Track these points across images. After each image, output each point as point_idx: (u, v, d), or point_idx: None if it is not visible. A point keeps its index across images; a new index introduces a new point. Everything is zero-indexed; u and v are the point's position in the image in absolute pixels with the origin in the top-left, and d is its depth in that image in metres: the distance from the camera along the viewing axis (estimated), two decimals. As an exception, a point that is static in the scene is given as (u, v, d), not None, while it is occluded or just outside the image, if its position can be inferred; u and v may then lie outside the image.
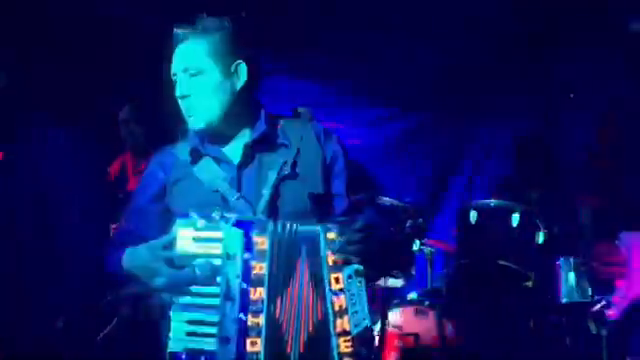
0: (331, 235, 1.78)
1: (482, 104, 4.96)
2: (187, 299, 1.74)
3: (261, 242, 1.77)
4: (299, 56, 4.59)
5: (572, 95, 4.67)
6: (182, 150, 2.01)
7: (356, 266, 1.76)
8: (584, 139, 4.46)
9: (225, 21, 1.98)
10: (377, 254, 1.82)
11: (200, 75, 1.92)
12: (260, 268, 1.76)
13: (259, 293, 1.74)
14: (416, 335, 3.31)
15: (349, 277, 1.75)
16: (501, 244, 3.41)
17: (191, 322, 1.73)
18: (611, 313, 2.20)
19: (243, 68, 1.97)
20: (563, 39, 4.47)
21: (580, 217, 2.52)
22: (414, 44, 4.45)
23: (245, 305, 1.72)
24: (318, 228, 1.79)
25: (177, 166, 2.01)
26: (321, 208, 1.92)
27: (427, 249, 3.70)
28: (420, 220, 3.56)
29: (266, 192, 1.90)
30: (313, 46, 4.45)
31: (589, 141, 4.40)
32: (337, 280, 1.75)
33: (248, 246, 1.77)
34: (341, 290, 1.74)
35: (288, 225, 1.79)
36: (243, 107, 2.00)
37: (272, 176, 1.92)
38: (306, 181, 1.95)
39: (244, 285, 1.74)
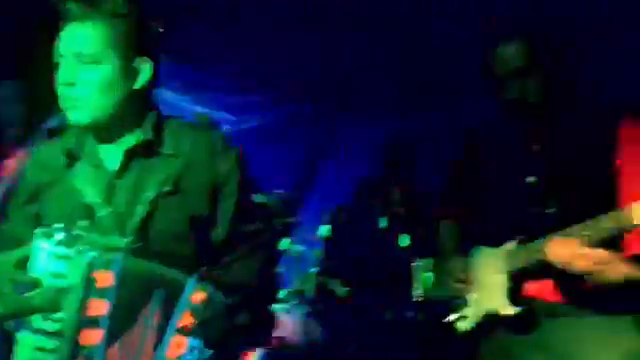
0: (198, 296, 1.56)
1: (354, 102, 5.01)
2: (39, 321, 1.53)
3: (104, 278, 1.52)
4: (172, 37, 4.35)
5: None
6: (55, 150, 1.78)
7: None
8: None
9: (134, 5, 1.71)
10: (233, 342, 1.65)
11: (95, 65, 1.66)
12: (98, 309, 1.51)
13: (93, 337, 1.50)
14: (281, 337, 3.31)
15: (192, 349, 1.56)
16: (367, 245, 3.47)
17: (38, 349, 1.52)
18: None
19: (147, 67, 1.73)
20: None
21: (438, 229, 2.58)
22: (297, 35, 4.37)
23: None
24: (187, 280, 1.56)
25: (50, 168, 1.77)
26: (200, 234, 1.73)
27: (294, 248, 3.70)
28: (289, 219, 3.56)
29: (140, 209, 1.68)
30: (186, 30, 4.24)
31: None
32: (179, 345, 1.55)
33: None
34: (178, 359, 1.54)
35: (144, 264, 1.57)
36: (135, 107, 1.75)
37: (151, 191, 1.70)
38: (189, 200, 1.72)
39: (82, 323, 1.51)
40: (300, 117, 5.11)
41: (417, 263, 3.59)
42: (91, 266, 1.53)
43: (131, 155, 1.74)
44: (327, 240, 3.55)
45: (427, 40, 4.43)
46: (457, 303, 2.33)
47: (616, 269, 1.87)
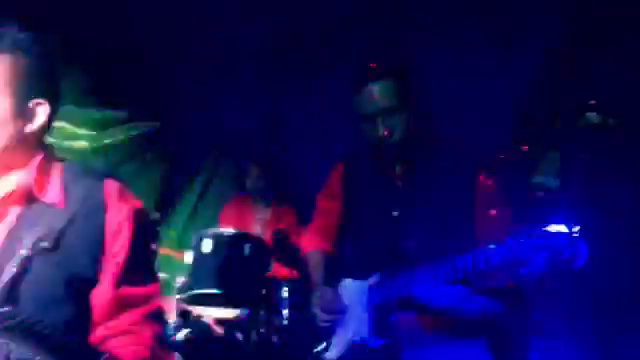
0: None
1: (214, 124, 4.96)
2: None
3: None
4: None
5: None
6: None
7: None
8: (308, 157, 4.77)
9: (35, 40, 1.55)
10: None
11: None
12: None
13: None
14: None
15: None
16: (234, 272, 3.44)
17: None
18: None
19: (43, 109, 1.55)
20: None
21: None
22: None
23: None
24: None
25: None
26: (79, 299, 1.53)
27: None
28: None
29: (10, 268, 1.45)
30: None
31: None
32: None
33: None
34: None
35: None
36: (23, 149, 1.56)
37: (25, 246, 1.48)
38: (70, 259, 1.51)
39: None
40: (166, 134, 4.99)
41: (283, 287, 3.67)
42: None
43: (5, 203, 1.53)
44: (195, 267, 3.46)
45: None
46: (323, 332, 2.35)
47: (472, 303, 1.99)
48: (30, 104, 1.54)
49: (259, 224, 4.44)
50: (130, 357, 1.55)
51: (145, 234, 1.65)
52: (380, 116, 2.16)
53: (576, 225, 1.65)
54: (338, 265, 2.48)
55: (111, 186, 1.62)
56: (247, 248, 3.46)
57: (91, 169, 1.69)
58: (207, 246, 3.46)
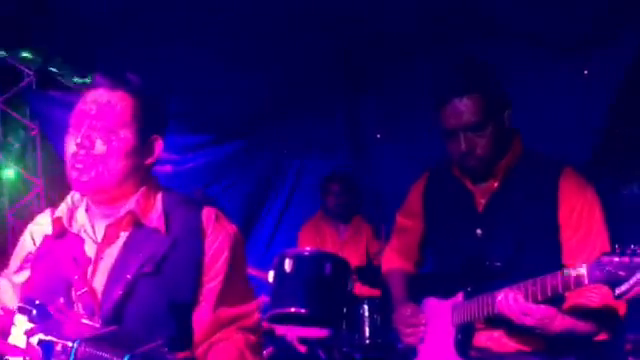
0: None
1: (296, 135, 5.06)
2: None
3: None
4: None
5: (379, 135, 4.93)
6: (47, 218, 1.73)
7: None
8: (390, 171, 4.78)
9: (153, 84, 1.73)
10: None
11: (115, 133, 1.64)
12: None
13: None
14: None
15: None
16: (315, 291, 3.46)
17: None
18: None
19: (158, 144, 1.71)
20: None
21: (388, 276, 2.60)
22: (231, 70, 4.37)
23: None
24: None
25: (41, 237, 1.71)
26: (180, 319, 1.62)
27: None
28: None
29: (117, 291, 1.58)
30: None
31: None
32: None
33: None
34: None
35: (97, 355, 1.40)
36: (137, 179, 1.69)
37: (130, 270, 1.60)
38: (171, 282, 1.61)
39: None
40: (248, 153, 5.12)
41: (364, 306, 3.67)
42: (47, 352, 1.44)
43: (115, 228, 1.66)
44: (275, 287, 3.51)
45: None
46: (405, 351, 2.35)
47: (558, 322, 1.94)
48: (149, 139, 1.69)
49: (338, 242, 4.47)
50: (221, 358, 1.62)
51: (241, 257, 1.73)
52: (463, 131, 2.11)
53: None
54: (419, 284, 2.46)
55: (209, 213, 1.71)
56: (328, 267, 3.48)
57: (191, 197, 1.79)
58: (289, 265, 3.50)
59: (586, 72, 3.76)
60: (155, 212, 1.68)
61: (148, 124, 1.69)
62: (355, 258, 4.14)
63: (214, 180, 5.10)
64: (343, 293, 3.59)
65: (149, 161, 1.70)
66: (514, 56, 3.62)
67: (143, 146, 1.68)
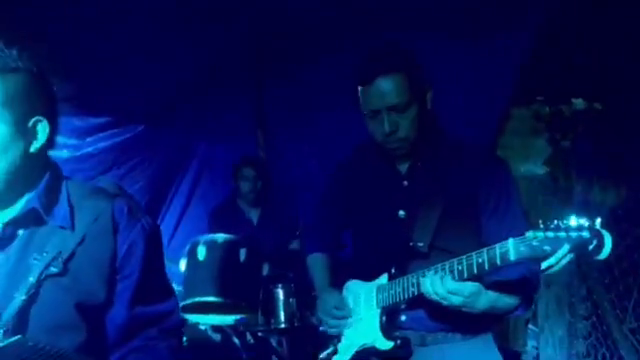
0: None
1: (203, 119, 4.94)
2: None
3: None
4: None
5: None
6: None
7: None
8: (300, 157, 4.78)
9: (29, 61, 1.51)
10: None
11: None
12: None
13: None
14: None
15: None
16: (230, 278, 3.41)
17: None
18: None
19: (44, 127, 1.52)
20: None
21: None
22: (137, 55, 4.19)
23: None
24: None
25: None
26: (92, 323, 1.51)
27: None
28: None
29: (19, 296, 1.43)
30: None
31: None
32: None
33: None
34: None
35: None
36: (28, 171, 1.52)
37: (34, 272, 1.45)
38: (81, 283, 1.50)
39: None
40: (151, 137, 4.94)
41: (279, 290, 3.66)
42: None
43: (14, 227, 1.50)
44: (188, 276, 3.42)
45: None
46: (329, 336, 2.33)
47: (483, 298, 1.98)
48: (30, 123, 1.51)
49: (252, 227, 4.43)
50: None
51: (158, 251, 1.63)
52: (387, 112, 2.10)
53: (597, 217, 1.64)
54: (342, 267, 2.46)
55: (121, 204, 1.59)
56: (242, 253, 3.45)
57: (100, 188, 1.65)
58: (201, 253, 3.43)
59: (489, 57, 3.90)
60: (60, 206, 1.54)
61: (26, 106, 1.50)
62: (269, 243, 4.12)
63: (114, 166, 4.89)
64: (258, 279, 3.58)
65: (35, 147, 1.52)
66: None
67: (24, 132, 1.49)
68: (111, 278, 1.53)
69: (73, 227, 1.52)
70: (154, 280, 1.60)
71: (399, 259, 2.16)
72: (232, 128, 4.97)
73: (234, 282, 3.44)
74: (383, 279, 2.19)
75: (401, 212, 2.19)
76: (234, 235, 3.61)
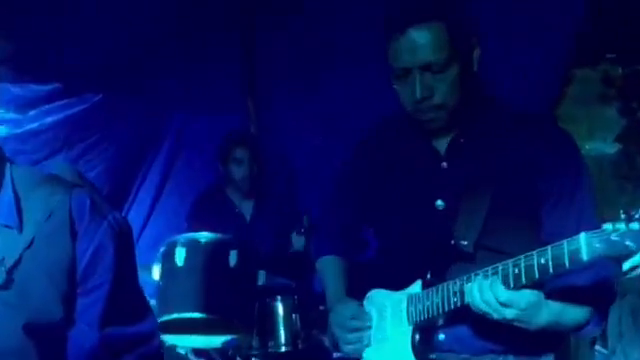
0: None
1: (177, 85, 4.98)
2: None
3: None
4: None
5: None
6: None
7: None
8: (301, 133, 4.81)
9: None
10: None
11: None
12: None
13: None
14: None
15: None
16: (216, 289, 3.44)
17: None
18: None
19: None
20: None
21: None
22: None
23: None
24: None
25: None
26: (45, 349, 1.52)
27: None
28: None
29: None
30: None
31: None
32: None
33: None
34: None
35: None
36: None
37: None
38: (29, 299, 1.51)
39: None
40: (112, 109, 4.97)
41: (278, 304, 3.71)
42: None
43: None
44: (163, 288, 3.46)
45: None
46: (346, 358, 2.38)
47: (545, 312, 2.00)
48: None
49: (244, 224, 4.49)
50: None
51: (130, 256, 1.65)
52: (420, 72, 2.10)
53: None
54: (362, 274, 2.48)
55: (81, 197, 1.60)
56: (232, 257, 3.48)
57: (53, 175, 1.66)
58: (180, 257, 3.46)
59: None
60: (2, 200, 1.55)
61: None
62: (266, 244, 4.17)
63: (64, 146, 4.92)
64: (252, 290, 3.60)
65: None
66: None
67: None
68: (70, 292, 1.54)
69: (20, 226, 1.53)
70: (127, 293, 1.63)
71: (436, 261, 2.19)
72: (216, 96, 4.99)
73: (222, 294, 3.46)
74: (416, 287, 2.21)
75: (439, 202, 2.21)
76: (221, 234, 3.63)
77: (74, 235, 1.55)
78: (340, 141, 2.58)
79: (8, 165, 1.59)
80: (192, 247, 3.49)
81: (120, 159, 5.13)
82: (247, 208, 4.59)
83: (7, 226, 1.53)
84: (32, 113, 4.76)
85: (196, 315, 3.40)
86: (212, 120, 5.09)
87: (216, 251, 3.51)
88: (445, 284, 2.11)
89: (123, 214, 5.08)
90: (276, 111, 5.07)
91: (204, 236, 3.59)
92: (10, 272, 1.49)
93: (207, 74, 4.87)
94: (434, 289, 2.14)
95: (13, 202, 1.55)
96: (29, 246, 1.52)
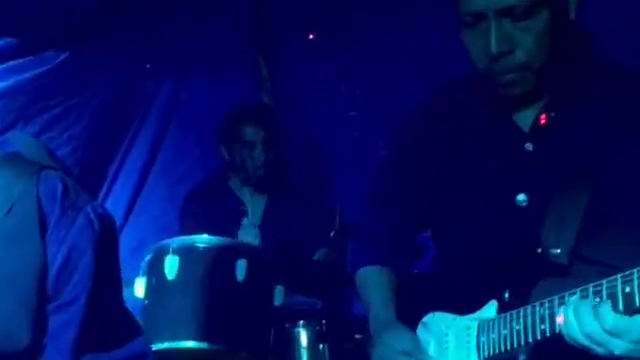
0: None
1: (168, 41, 5.01)
2: None
3: None
4: None
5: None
6: None
7: None
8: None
9: None
10: None
11: None
12: None
13: None
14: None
15: None
16: (219, 309, 3.45)
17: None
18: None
19: None
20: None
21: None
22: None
23: None
24: None
25: None
26: None
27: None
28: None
29: None
30: None
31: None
32: None
33: None
34: None
35: None
36: None
37: None
38: None
39: None
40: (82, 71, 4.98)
41: (300, 330, 3.73)
42: None
43: None
44: (148, 309, 3.49)
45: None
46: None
47: None
48: None
49: (254, 225, 4.51)
50: None
51: (114, 260, 1.71)
52: (496, 18, 2.12)
53: None
54: (416, 290, 2.51)
55: (51, 183, 1.65)
56: (240, 267, 3.49)
57: (14, 154, 1.70)
58: (172, 268, 3.47)
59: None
60: None
61: None
62: (285, 251, 4.21)
63: (20, 119, 4.94)
64: (266, 311, 3.61)
65: None
66: None
67: None
68: (39, 307, 1.58)
69: None
70: (110, 308, 1.67)
71: (517, 276, 2.19)
72: (217, 54, 5.02)
73: (227, 317, 3.48)
74: (489, 310, 2.22)
75: (521, 196, 2.23)
76: (226, 238, 3.65)
77: (43, 232, 1.60)
78: (383, 115, 2.57)
79: None
80: (187, 255, 3.51)
81: (92, 137, 5.14)
82: (259, 204, 4.61)
83: None
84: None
85: (194, 345, 3.42)
86: (212, 86, 5.09)
87: (219, 260, 3.53)
88: (529, 307, 2.11)
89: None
90: (296, 72, 5.08)
91: (203, 240, 3.60)
92: None
93: (205, 25, 4.89)
94: (514, 313, 2.14)
95: None
96: None
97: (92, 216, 1.66)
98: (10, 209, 1.58)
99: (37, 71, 4.88)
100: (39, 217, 1.60)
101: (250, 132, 4.50)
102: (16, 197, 1.59)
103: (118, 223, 5.17)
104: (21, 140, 2.06)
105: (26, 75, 4.89)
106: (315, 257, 4.43)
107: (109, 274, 1.68)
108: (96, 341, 1.62)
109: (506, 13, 2.11)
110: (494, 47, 2.12)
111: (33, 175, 1.63)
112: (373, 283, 2.55)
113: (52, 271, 1.60)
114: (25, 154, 1.73)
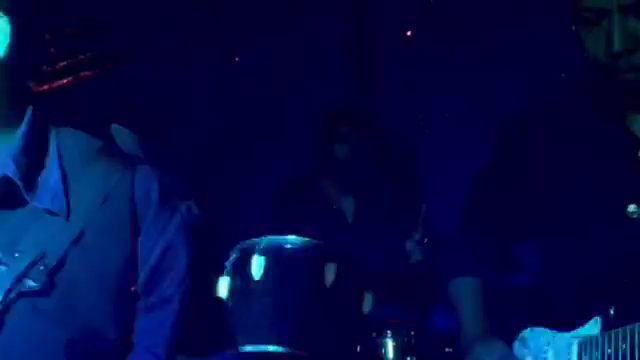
0: None
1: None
2: None
3: None
4: None
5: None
6: None
7: None
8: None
9: None
10: None
11: None
12: None
13: None
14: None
15: None
16: (306, 315, 3.44)
17: None
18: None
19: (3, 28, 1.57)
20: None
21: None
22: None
23: None
24: None
25: None
26: None
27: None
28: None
29: None
30: None
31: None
32: None
33: None
34: None
35: None
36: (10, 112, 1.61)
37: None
38: (75, 310, 1.58)
39: None
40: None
41: (388, 341, 3.69)
42: None
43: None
44: (234, 310, 3.48)
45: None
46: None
47: None
48: None
49: (346, 227, 4.54)
50: None
51: (208, 261, 1.83)
52: (620, 14, 2.09)
53: None
54: (513, 304, 2.51)
55: (148, 177, 1.66)
56: (330, 271, 3.47)
57: (110, 145, 1.72)
58: (257, 268, 3.48)
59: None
60: (47, 176, 1.60)
61: None
62: (376, 256, 4.15)
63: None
64: (357, 319, 3.59)
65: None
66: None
67: None
68: (129, 304, 1.61)
69: (68, 213, 1.57)
70: (203, 312, 1.75)
71: (624, 292, 2.17)
72: (315, 53, 5.07)
73: (313, 322, 3.43)
74: (593, 327, 2.19)
75: (632, 207, 2.19)
76: (315, 239, 3.61)
77: (136, 228, 1.63)
78: (482, 114, 2.55)
79: (54, 131, 1.65)
80: (274, 256, 3.45)
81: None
82: (349, 205, 4.64)
83: (50, 212, 1.58)
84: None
85: (277, 349, 3.35)
86: (310, 87, 5.16)
87: (307, 263, 3.47)
88: (636, 325, 2.07)
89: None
90: (395, 75, 5.10)
91: (291, 241, 3.54)
92: (52, 274, 1.54)
93: (303, 25, 4.99)
94: (619, 331, 2.11)
95: (60, 181, 1.59)
96: (77, 239, 1.57)
97: (188, 216, 1.68)
98: (104, 201, 1.60)
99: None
100: (132, 214, 1.62)
101: (346, 132, 4.54)
102: (111, 190, 1.61)
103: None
104: (115, 130, 2.09)
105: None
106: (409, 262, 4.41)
107: (204, 275, 1.69)
108: (188, 344, 1.66)
109: (632, 9, 2.09)
110: (617, 44, 2.10)
111: (128, 168, 1.65)
112: (468, 295, 2.54)
113: (147, 267, 1.62)
114: (121, 146, 1.74)
